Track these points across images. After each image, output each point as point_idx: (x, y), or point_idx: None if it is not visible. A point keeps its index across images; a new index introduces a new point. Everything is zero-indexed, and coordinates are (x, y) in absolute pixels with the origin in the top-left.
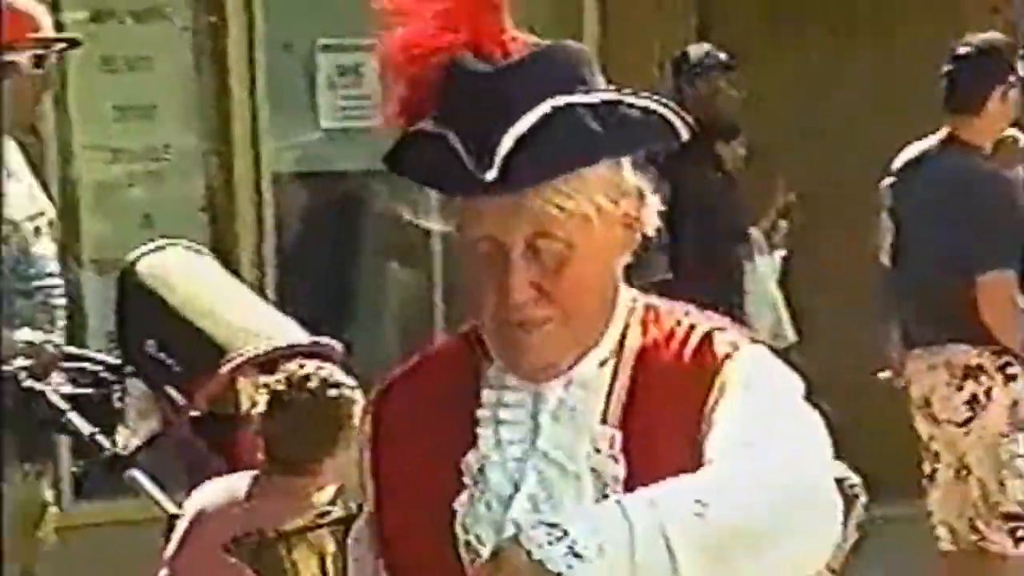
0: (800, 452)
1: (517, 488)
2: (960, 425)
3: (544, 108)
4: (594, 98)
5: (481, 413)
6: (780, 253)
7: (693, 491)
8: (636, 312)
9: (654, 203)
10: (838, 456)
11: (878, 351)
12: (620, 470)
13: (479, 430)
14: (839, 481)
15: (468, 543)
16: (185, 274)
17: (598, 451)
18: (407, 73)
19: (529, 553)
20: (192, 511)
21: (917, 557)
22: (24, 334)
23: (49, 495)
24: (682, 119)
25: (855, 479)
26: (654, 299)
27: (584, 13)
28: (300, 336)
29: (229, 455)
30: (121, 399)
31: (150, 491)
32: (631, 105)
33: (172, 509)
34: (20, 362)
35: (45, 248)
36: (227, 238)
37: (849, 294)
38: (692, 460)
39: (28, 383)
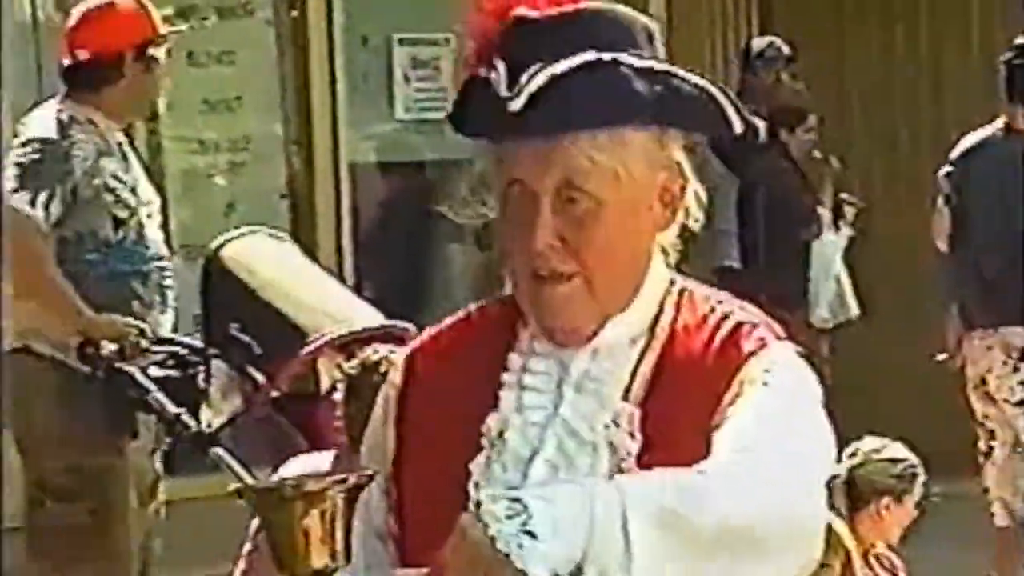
0: (793, 474)
1: (535, 453)
2: (1016, 404)
3: (588, 56)
4: (645, 63)
5: (506, 377)
6: (848, 232)
7: (668, 489)
8: (672, 294)
9: (697, 189)
10: (898, 437)
11: (937, 333)
12: (635, 446)
13: (502, 393)
14: (898, 461)
15: (479, 503)
16: (266, 259)
17: (617, 425)
18: (480, 27)
19: (485, 527)
20: None
21: (973, 533)
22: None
23: (160, 469)
24: (737, 111)
25: (914, 460)
26: (691, 283)
27: (649, 6)
28: (376, 319)
29: (310, 433)
30: (206, 380)
31: (234, 468)
32: (684, 79)
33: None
34: (110, 346)
35: (155, 233)
36: (307, 225)
37: (910, 277)
38: (705, 446)
39: (118, 364)
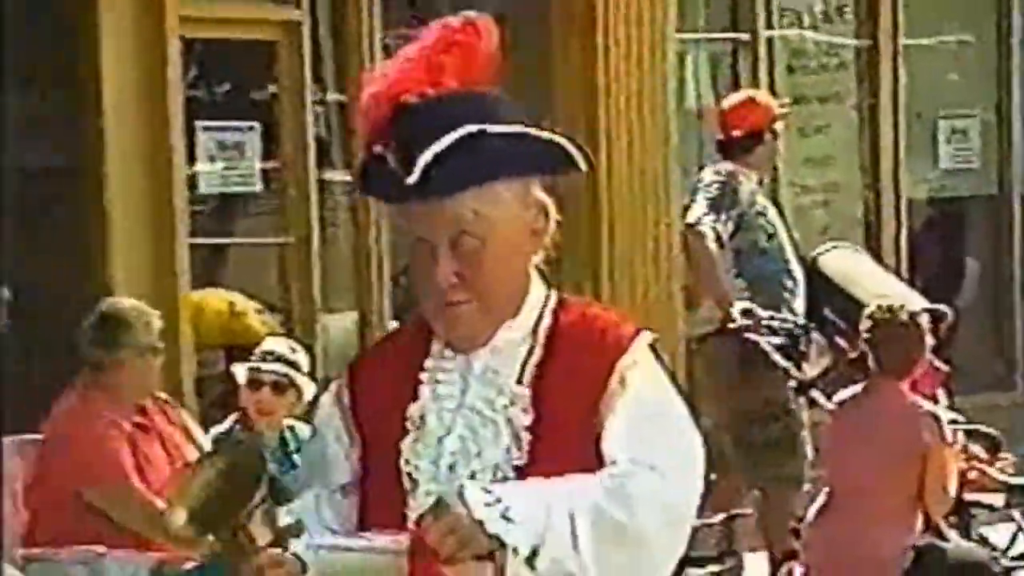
0: (677, 463)
1: (449, 431)
2: None
3: (461, 132)
4: (505, 129)
5: (424, 376)
6: None
7: (598, 493)
8: (549, 303)
9: (554, 217)
10: None
11: None
12: (528, 419)
13: (421, 387)
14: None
15: (409, 474)
16: (848, 264)
17: (513, 404)
18: (372, 112)
19: (470, 512)
20: None
21: None
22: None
23: None
24: (582, 152)
25: None
26: (565, 295)
27: None
28: (923, 303)
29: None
30: (807, 345)
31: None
32: (537, 137)
33: None
34: (740, 320)
35: (787, 245)
36: (876, 242)
37: None
38: (588, 417)
39: (747, 335)
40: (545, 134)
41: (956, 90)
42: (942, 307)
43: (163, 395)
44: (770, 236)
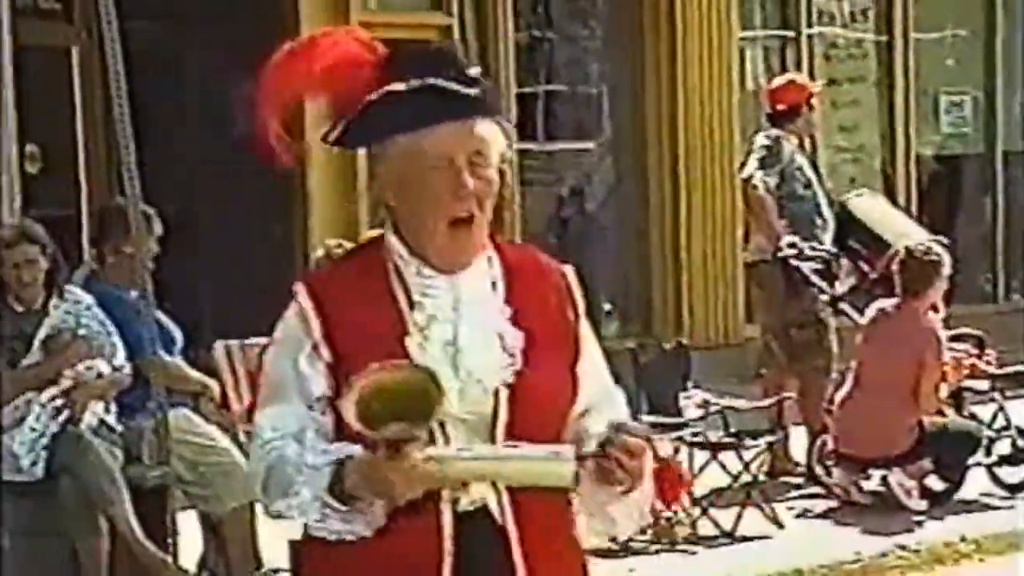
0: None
1: (454, 339)
2: None
3: (477, 70)
4: (477, 75)
5: (415, 297)
6: None
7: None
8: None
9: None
10: None
11: None
12: (516, 332)
13: (417, 300)
14: None
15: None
16: (871, 206)
17: (501, 319)
18: (335, 87)
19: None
20: None
21: None
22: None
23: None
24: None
25: None
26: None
27: None
28: (925, 236)
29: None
30: (837, 267)
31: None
32: (487, 85)
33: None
34: (786, 250)
35: (821, 193)
36: (893, 189)
37: None
38: (560, 328)
39: (791, 261)
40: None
41: (953, 73)
42: (942, 239)
43: None
44: (806, 186)
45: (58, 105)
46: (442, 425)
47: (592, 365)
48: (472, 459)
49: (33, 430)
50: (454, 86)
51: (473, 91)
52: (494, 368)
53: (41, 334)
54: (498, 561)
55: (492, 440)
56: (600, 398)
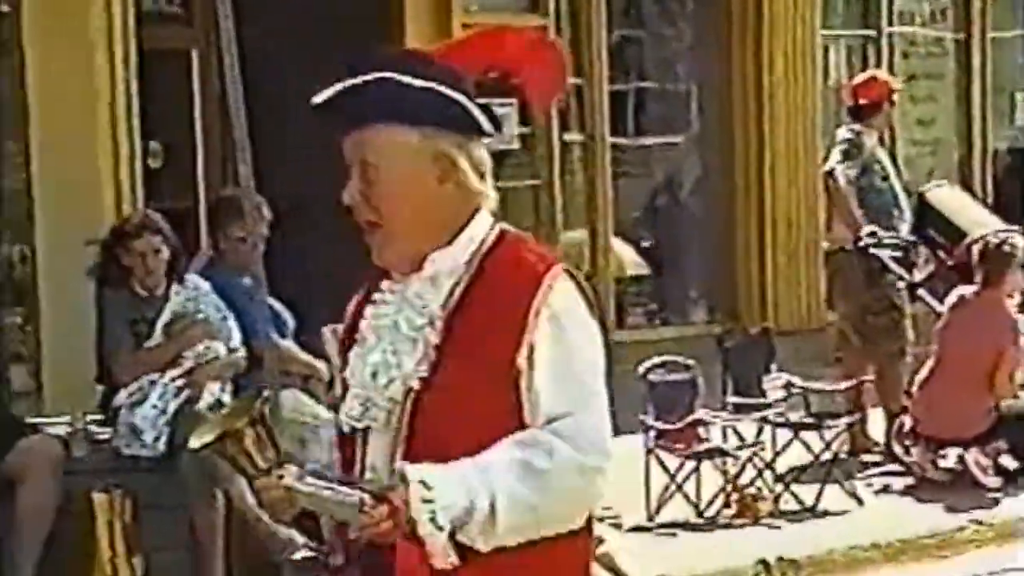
0: (590, 432)
1: (377, 345)
2: None
3: (375, 75)
4: (417, 83)
5: (375, 296)
6: None
7: (520, 473)
8: (490, 236)
9: (469, 173)
10: None
11: None
12: (437, 338)
13: (369, 309)
14: None
15: (344, 379)
16: (948, 197)
17: (430, 325)
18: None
19: (407, 502)
20: None
21: None
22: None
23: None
24: (488, 115)
25: None
26: (520, 234)
27: None
28: (998, 226)
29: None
30: (916, 255)
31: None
32: (445, 96)
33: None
34: (867, 239)
35: (897, 184)
36: (969, 181)
37: None
38: (503, 338)
39: (871, 250)
40: (458, 96)
41: None
42: (1017, 228)
43: None
44: (884, 178)
45: (178, 104)
46: (365, 432)
47: (550, 369)
48: (302, 491)
49: (155, 407)
50: (340, 97)
51: (360, 98)
52: (401, 374)
53: (163, 319)
54: None
55: (395, 446)
56: (563, 409)
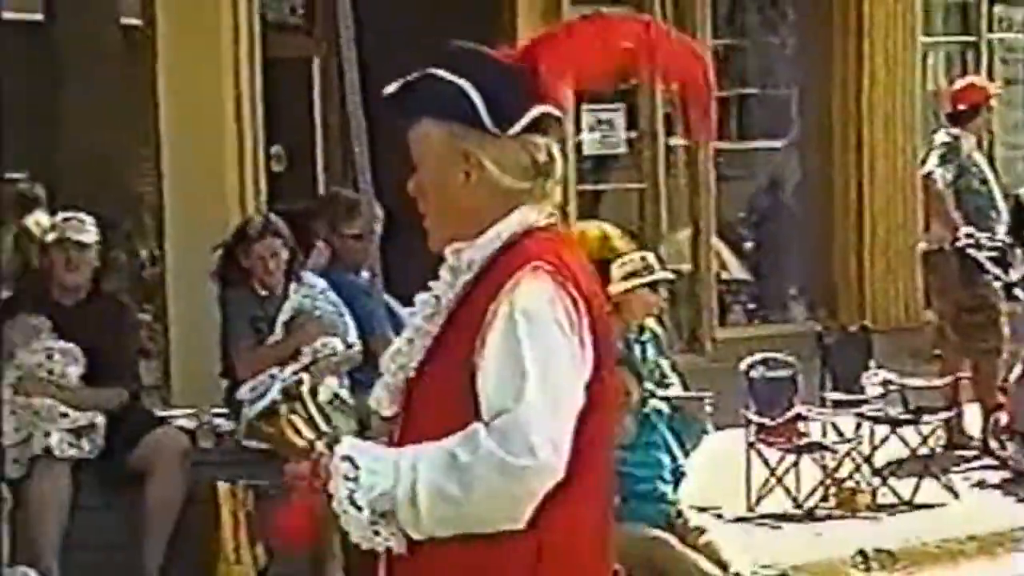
0: (529, 428)
1: (408, 330)
2: None
3: (418, 74)
4: (452, 77)
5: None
6: None
7: (445, 468)
8: (512, 237)
9: (495, 171)
10: None
11: None
12: (435, 329)
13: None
14: None
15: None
16: None
17: (436, 315)
18: None
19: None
20: None
21: None
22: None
23: None
24: (488, 107)
25: None
26: (540, 235)
27: None
28: None
29: None
30: (1012, 257)
31: None
32: (462, 90)
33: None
34: (964, 240)
35: (996, 189)
36: None
37: None
38: (473, 336)
39: (968, 250)
40: (473, 93)
41: None
42: None
43: None
44: (982, 181)
45: (300, 110)
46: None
47: (496, 363)
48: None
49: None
50: (398, 93)
51: (406, 94)
52: (410, 361)
53: (282, 316)
54: None
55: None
56: (503, 404)
